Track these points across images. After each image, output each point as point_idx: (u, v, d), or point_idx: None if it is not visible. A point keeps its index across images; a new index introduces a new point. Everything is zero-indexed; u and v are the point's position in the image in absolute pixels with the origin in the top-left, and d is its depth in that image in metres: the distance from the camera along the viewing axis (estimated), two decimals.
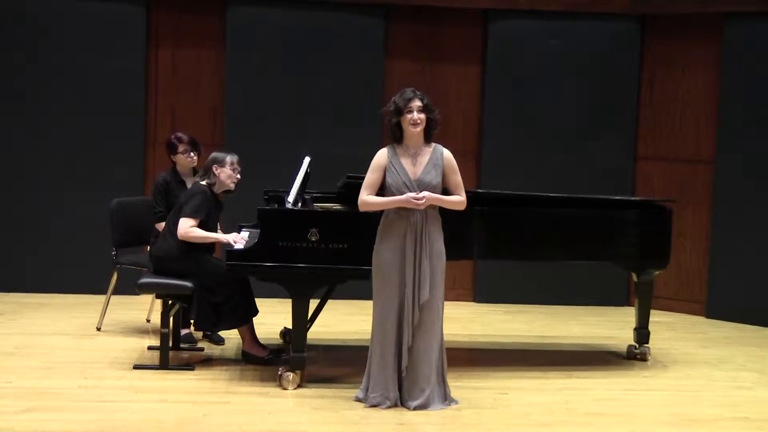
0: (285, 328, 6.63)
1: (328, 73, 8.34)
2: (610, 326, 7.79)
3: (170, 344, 6.10)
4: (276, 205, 6.27)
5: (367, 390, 5.40)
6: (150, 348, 6.41)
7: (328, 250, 5.57)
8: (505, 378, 6.07)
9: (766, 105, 7.96)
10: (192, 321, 6.26)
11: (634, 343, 6.70)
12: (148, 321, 7.24)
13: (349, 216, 5.84)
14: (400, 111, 5.28)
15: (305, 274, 5.56)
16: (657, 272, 6.63)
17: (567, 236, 6.29)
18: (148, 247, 6.85)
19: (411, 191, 5.22)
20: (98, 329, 6.93)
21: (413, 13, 8.46)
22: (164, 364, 5.93)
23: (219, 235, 6.06)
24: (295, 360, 5.64)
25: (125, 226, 6.93)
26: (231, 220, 6.96)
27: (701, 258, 8.39)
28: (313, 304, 5.93)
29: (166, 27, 8.33)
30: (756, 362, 6.79)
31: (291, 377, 5.63)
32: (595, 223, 6.34)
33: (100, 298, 7.10)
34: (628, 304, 8.42)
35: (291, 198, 5.92)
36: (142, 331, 6.97)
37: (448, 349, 5.53)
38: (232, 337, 6.53)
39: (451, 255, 5.45)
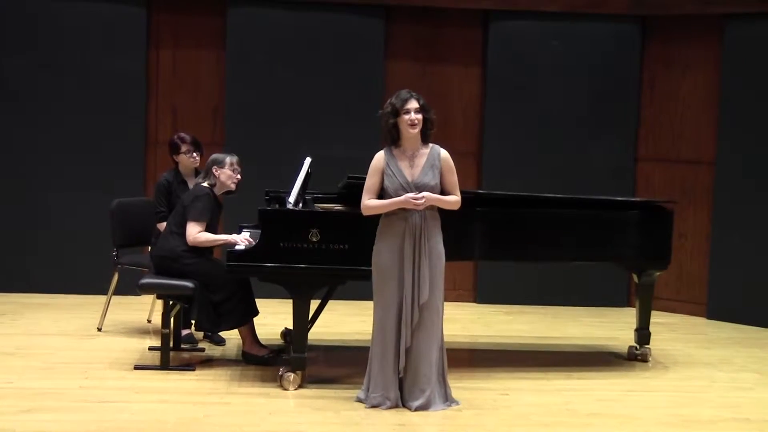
0: (286, 328, 6.64)
1: (328, 74, 8.34)
2: (610, 327, 7.79)
3: (171, 345, 6.10)
4: (277, 206, 6.28)
5: (368, 390, 5.40)
6: (151, 348, 6.41)
7: (329, 250, 5.57)
8: (506, 379, 6.07)
9: (766, 106, 7.95)
10: (193, 321, 6.26)
11: (634, 344, 6.70)
12: (149, 321, 7.24)
13: (350, 217, 5.84)
14: (397, 112, 5.27)
15: (306, 274, 5.56)
16: (658, 273, 6.63)
17: (567, 237, 6.28)
18: (149, 248, 6.85)
19: (409, 193, 5.23)
20: (99, 330, 6.93)
21: (414, 13, 8.46)
22: (165, 365, 5.93)
23: (227, 237, 6.07)
24: (296, 360, 5.64)
25: (126, 227, 6.92)
26: (232, 221, 6.97)
27: (702, 259, 8.39)
28: (314, 304, 5.93)
29: (166, 27, 8.33)
30: (756, 363, 6.79)
31: (292, 378, 5.63)
32: (595, 224, 6.34)
33: (101, 299, 7.10)
34: (629, 305, 8.42)
35: (292, 198, 5.92)
36: (143, 332, 6.97)
37: (449, 350, 5.53)
38: (232, 337, 6.53)
39: (451, 256, 5.45)
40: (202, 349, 6.50)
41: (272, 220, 5.64)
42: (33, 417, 5.01)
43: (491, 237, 6.08)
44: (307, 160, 6.31)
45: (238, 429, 4.95)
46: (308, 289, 5.62)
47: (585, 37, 8.49)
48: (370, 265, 5.38)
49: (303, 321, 5.64)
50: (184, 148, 6.73)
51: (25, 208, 8.13)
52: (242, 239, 5.91)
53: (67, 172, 8.14)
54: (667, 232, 6.55)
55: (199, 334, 6.64)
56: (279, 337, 6.73)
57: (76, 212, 8.10)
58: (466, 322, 7.82)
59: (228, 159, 6.19)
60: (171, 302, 6.00)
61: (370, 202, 5.33)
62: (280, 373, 5.67)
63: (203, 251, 6.10)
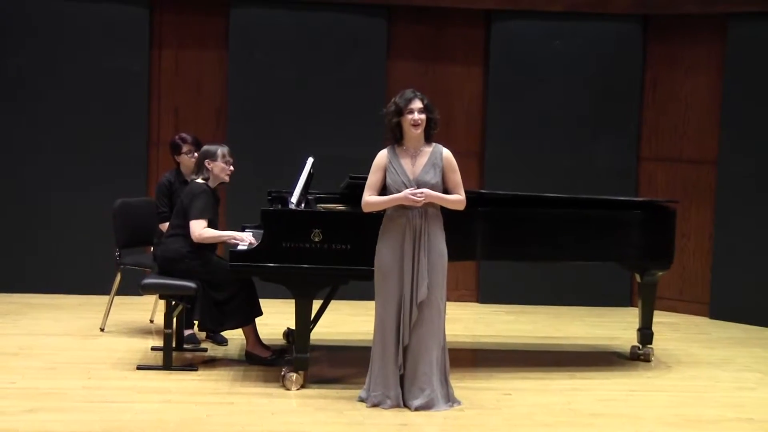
0: (288, 328, 6.63)
1: (330, 74, 8.34)
2: (613, 327, 7.78)
3: (173, 345, 6.10)
4: (279, 206, 6.28)
5: (369, 389, 5.40)
6: (153, 348, 6.41)
7: (332, 250, 5.57)
8: (508, 379, 6.06)
9: None
10: (195, 321, 6.26)
11: (637, 343, 6.70)
12: (151, 321, 7.24)
13: (352, 216, 5.84)
14: (401, 111, 5.28)
15: (308, 274, 5.56)
16: (660, 273, 6.63)
17: (570, 237, 6.28)
18: (152, 248, 6.85)
19: (407, 189, 5.23)
20: (102, 330, 6.93)
21: (416, 13, 8.46)
22: (168, 365, 5.93)
23: (231, 233, 6.07)
24: (299, 360, 5.64)
25: (128, 227, 6.93)
26: (234, 221, 6.97)
27: (705, 258, 8.38)
28: (317, 304, 5.93)
29: (169, 28, 8.34)
30: (760, 363, 6.78)
31: (294, 378, 5.63)
32: (598, 224, 6.33)
33: (104, 299, 7.10)
34: (632, 304, 8.42)
35: (294, 198, 5.92)
36: (146, 332, 6.97)
37: (451, 350, 5.53)
38: (235, 337, 6.53)
39: (454, 256, 5.45)
40: (205, 350, 6.50)
41: (275, 220, 5.64)
42: (36, 417, 5.01)
43: (493, 237, 6.08)
44: (310, 160, 6.31)
45: (241, 429, 4.95)
46: (310, 289, 5.63)
47: (587, 37, 8.49)
48: (372, 265, 5.38)
49: (305, 321, 5.64)
50: (185, 148, 6.73)
51: (27, 209, 8.13)
52: (246, 237, 5.91)
53: (70, 172, 8.14)
54: (669, 232, 6.55)
55: (202, 335, 6.65)
56: (281, 337, 6.73)
57: (78, 212, 8.10)
58: (468, 322, 7.82)
59: (219, 150, 6.14)
60: (173, 302, 6.00)
61: (370, 199, 5.34)
62: (282, 373, 5.67)
63: (208, 250, 6.10)
